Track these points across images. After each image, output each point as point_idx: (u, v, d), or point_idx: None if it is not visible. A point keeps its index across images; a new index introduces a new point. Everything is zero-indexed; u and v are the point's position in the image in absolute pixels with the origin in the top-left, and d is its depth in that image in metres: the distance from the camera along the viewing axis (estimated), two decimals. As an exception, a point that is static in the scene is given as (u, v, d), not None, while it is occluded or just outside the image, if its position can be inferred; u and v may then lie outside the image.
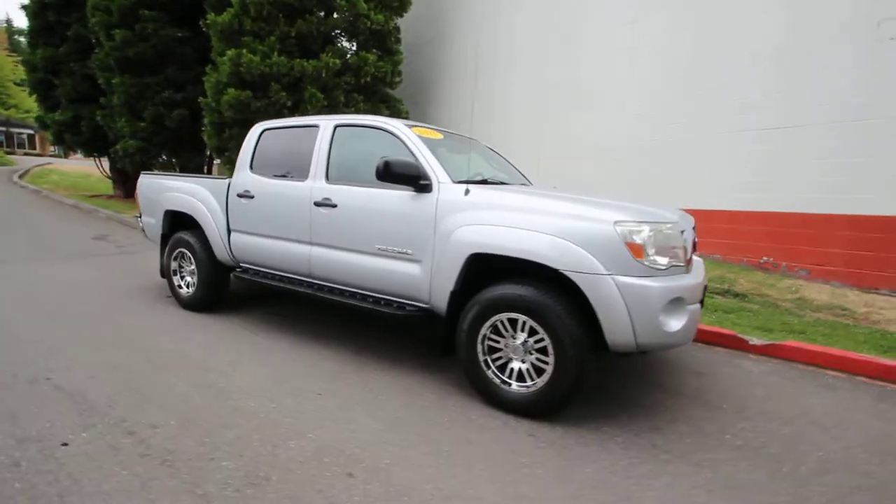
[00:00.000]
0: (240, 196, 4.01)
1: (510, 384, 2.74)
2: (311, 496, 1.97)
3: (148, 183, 4.93)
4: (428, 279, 3.01)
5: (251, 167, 4.05)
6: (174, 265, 4.60)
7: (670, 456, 2.40)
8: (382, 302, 3.29)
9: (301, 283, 3.75)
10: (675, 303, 2.47)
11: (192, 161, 11.47)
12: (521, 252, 2.61)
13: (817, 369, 3.64)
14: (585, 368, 2.53)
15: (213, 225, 4.19)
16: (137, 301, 4.71)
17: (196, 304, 4.41)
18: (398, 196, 3.14)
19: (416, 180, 3.02)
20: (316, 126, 3.73)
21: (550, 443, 2.46)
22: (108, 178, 14.36)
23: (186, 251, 4.44)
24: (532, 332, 2.65)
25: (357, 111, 9.22)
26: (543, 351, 2.63)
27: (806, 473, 2.31)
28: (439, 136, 3.55)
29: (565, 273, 2.50)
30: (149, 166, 11.14)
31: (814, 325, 4.40)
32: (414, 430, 2.53)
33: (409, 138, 3.24)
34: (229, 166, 9.10)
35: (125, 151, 10.88)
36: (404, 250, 3.10)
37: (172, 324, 4.07)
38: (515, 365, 2.74)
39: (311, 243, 3.59)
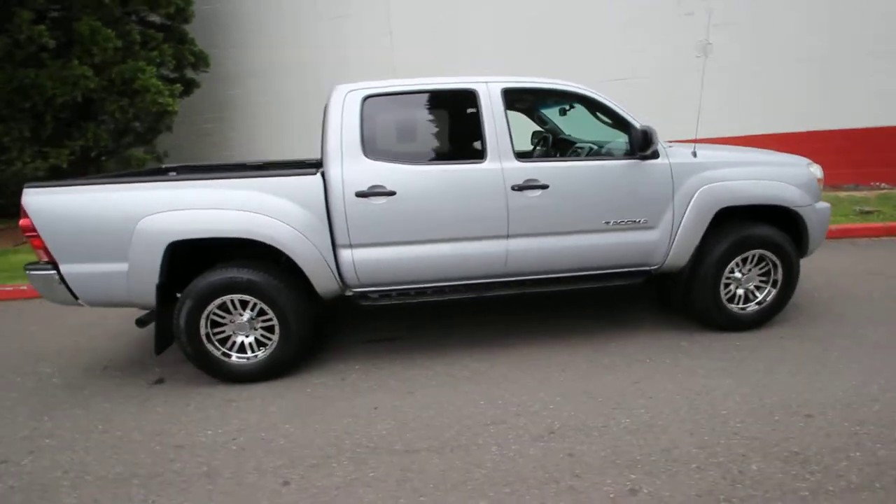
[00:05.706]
0: (363, 195, 2.80)
1: (745, 308, 3.32)
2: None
3: (74, 202, 2.67)
4: (667, 242, 3.13)
5: (364, 152, 2.84)
6: (204, 328, 2.83)
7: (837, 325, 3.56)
8: (589, 277, 3.20)
9: (478, 287, 3.10)
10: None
11: None
12: (768, 199, 3.13)
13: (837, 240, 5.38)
14: (795, 280, 3.37)
15: (308, 246, 2.79)
16: (128, 405, 2.73)
17: (276, 369, 2.94)
18: (624, 166, 3.03)
19: (652, 147, 2.99)
20: (471, 91, 2.93)
21: (794, 336, 3.23)
22: None
23: (242, 298, 2.81)
24: (760, 261, 3.26)
25: (161, 56, 6.61)
26: (766, 273, 3.30)
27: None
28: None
29: (796, 209, 3.18)
30: None
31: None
32: (726, 369, 2.84)
33: (616, 105, 3.07)
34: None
35: None
36: (639, 219, 3.08)
37: (308, 408, 2.69)
38: (740, 292, 3.31)
39: (507, 236, 2.98)
